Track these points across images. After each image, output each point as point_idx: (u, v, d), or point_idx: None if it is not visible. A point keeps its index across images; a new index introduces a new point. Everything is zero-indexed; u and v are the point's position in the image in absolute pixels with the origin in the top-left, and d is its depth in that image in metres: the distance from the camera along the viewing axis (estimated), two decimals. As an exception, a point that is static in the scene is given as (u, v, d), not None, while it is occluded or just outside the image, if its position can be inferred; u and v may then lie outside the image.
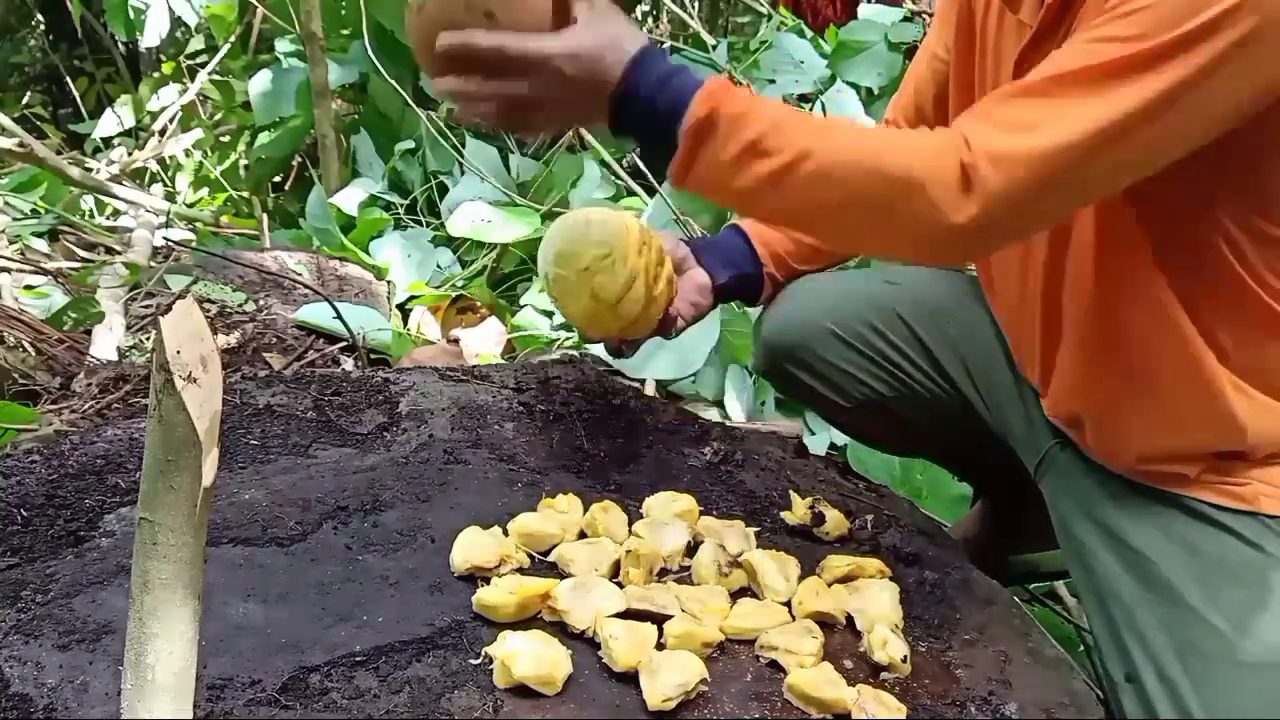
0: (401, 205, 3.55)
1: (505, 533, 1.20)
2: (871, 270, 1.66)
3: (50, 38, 6.37)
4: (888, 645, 1.07)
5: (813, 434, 2.16)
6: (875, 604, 1.14)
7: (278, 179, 4.51)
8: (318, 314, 2.53)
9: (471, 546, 1.16)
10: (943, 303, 1.56)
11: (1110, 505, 1.32)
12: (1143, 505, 1.30)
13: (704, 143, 1.05)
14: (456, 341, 2.58)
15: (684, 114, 1.05)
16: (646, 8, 6.03)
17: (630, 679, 1.01)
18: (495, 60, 1.07)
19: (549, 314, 2.81)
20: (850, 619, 1.14)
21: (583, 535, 1.23)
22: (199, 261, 2.87)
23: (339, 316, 2.41)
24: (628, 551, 1.16)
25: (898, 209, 1.02)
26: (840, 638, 1.11)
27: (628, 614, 1.08)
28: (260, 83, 3.91)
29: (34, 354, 2.26)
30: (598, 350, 2.51)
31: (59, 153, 4.24)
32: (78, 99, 5.59)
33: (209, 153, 4.47)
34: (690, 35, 4.48)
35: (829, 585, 1.17)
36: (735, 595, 1.15)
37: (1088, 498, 1.35)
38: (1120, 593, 1.28)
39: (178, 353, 0.73)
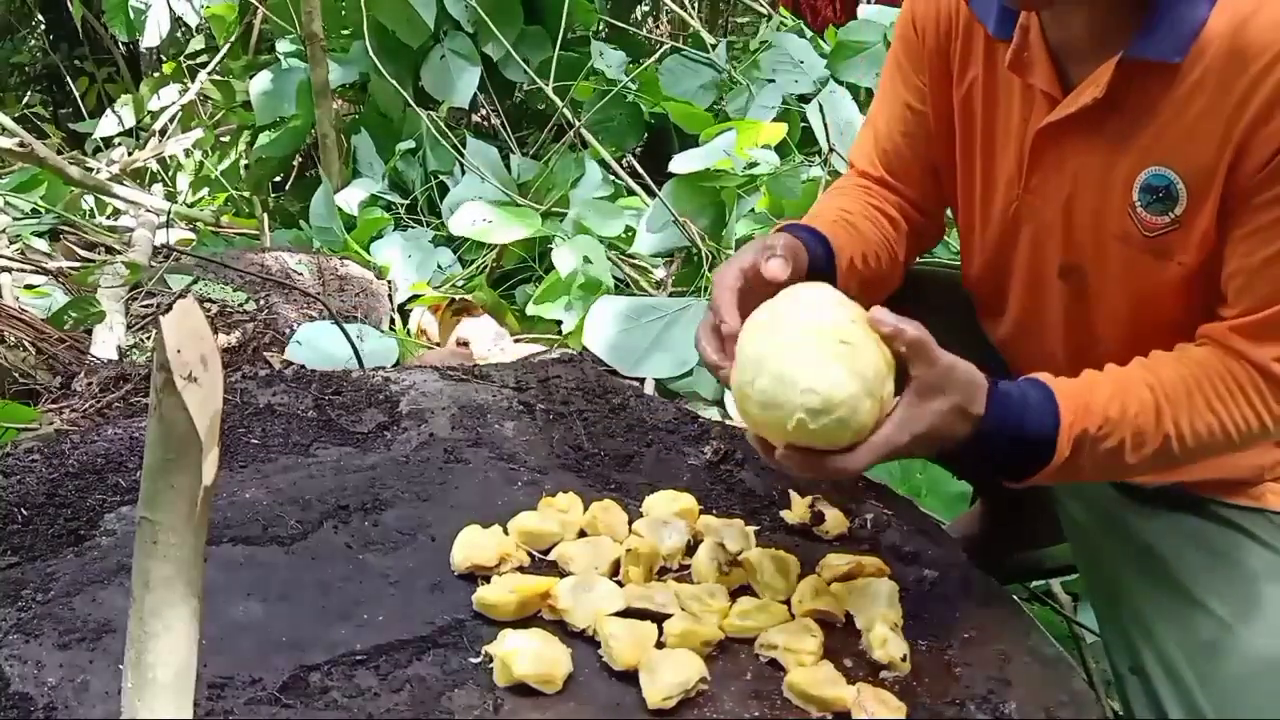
0: (402, 205, 3.55)
1: (505, 531, 1.20)
2: None
3: (50, 38, 6.37)
4: (887, 644, 1.07)
5: (812, 433, 2.16)
6: (875, 603, 1.13)
7: (278, 179, 4.51)
8: (316, 336, 2.48)
9: (472, 545, 1.16)
10: (943, 305, 1.55)
11: (1119, 501, 1.32)
12: (1151, 502, 1.30)
13: (1073, 468, 1.11)
14: (465, 344, 2.58)
15: (1047, 446, 1.08)
16: (646, 8, 6.03)
17: (630, 677, 1.01)
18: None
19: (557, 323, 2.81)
20: (850, 618, 1.14)
21: (583, 534, 1.23)
22: (199, 261, 2.87)
23: (348, 337, 2.34)
24: (627, 550, 1.16)
25: (1252, 443, 1.17)
26: (840, 636, 1.11)
27: (627, 613, 1.09)
28: (261, 83, 3.91)
29: (34, 353, 2.26)
30: (597, 350, 2.52)
31: (59, 152, 4.24)
32: (78, 99, 5.59)
33: (209, 153, 4.47)
34: (690, 35, 4.48)
35: (828, 584, 1.17)
36: (735, 594, 1.15)
37: (1096, 494, 1.35)
38: (1127, 587, 1.28)
39: (178, 352, 0.73)
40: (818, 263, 1.24)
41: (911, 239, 1.46)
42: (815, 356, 1.00)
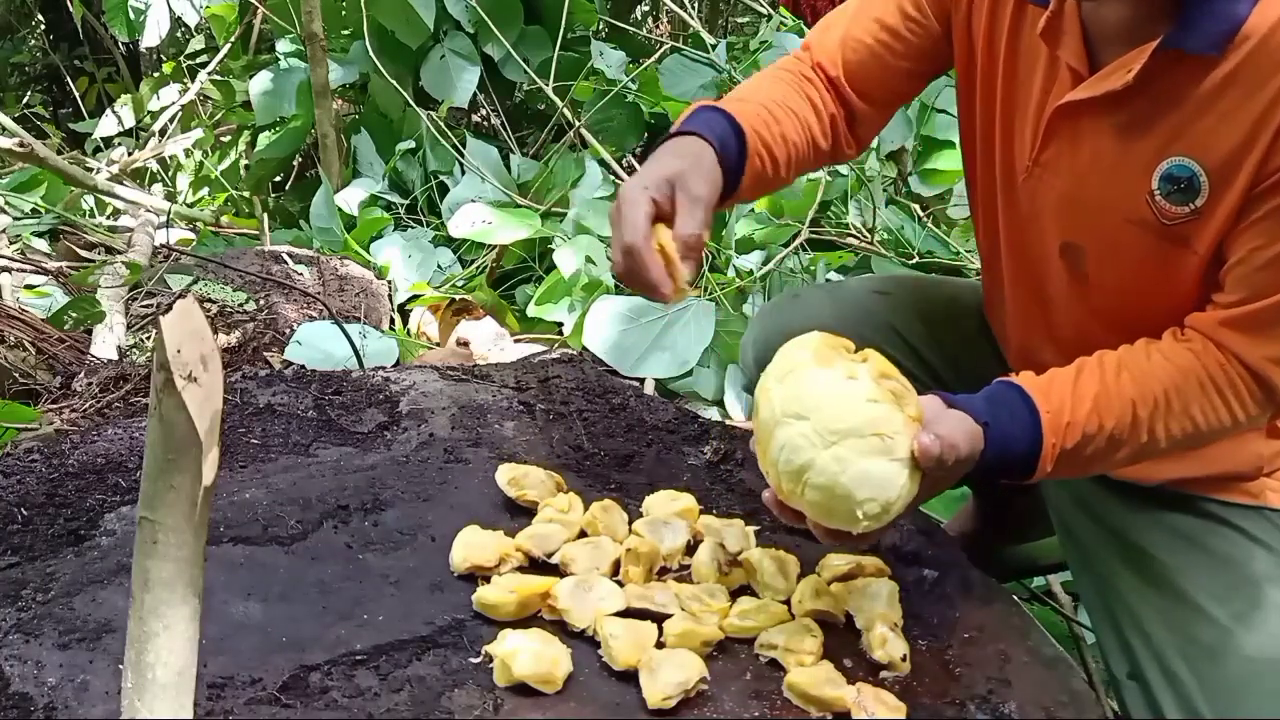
0: (402, 205, 3.55)
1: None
2: (861, 280, 1.65)
3: (50, 38, 6.37)
4: (887, 644, 1.07)
5: (812, 433, 2.16)
6: (874, 602, 1.14)
7: (278, 179, 4.51)
8: (316, 336, 2.48)
9: (472, 545, 1.16)
10: (936, 313, 1.55)
11: (1111, 502, 1.32)
12: (1145, 502, 1.30)
13: (1045, 474, 1.15)
14: (465, 344, 2.58)
15: (1030, 465, 1.13)
16: (646, 8, 6.03)
17: (630, 677, 1.01)
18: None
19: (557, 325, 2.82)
20: (850, 617, 1.14)
21: (583, 534, 1.23)
22: (199, 261, 2.87)
23: (347, 337, 2.34)
24: (628, 550, 1.16)
25: (1222, 436, 1.20)
26: (840, 636, 1.11)
27: (627, 613, 1.09)
28: (261, 83, 3.91)
29: (35, 353, 2.26)
30: (597, 350, 2.53)
31: (59, 152, 4.24)
32: (78, 99, 5.59)
33: (209, 153, 4.47)
34: (690, 35, 4.48)
35: (828, 584, 1.17)
36: (735, 594, 1.15)
37: (1088, 495, 1.35)
38: (1123, 590, 1.28)
39: (178, 352, 0.74)
40: (727, 161, 1.22)
41: (833, 147, 1.39)
42: (863, 464, 1.00)
